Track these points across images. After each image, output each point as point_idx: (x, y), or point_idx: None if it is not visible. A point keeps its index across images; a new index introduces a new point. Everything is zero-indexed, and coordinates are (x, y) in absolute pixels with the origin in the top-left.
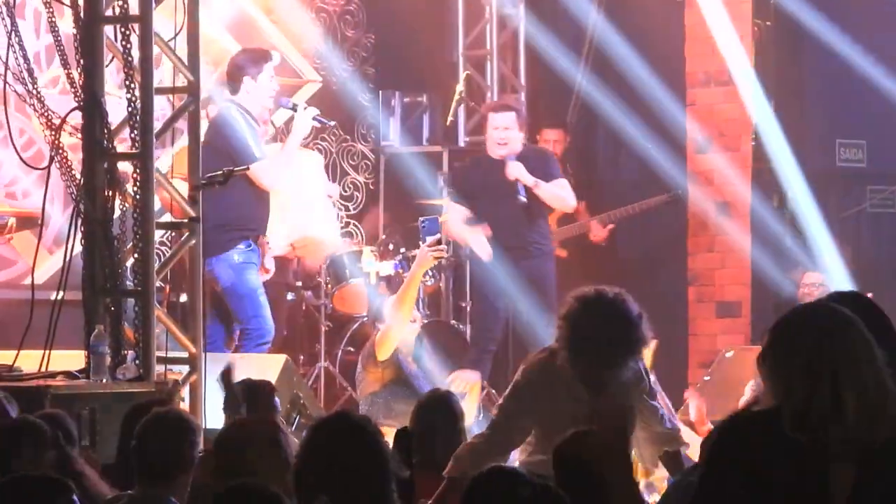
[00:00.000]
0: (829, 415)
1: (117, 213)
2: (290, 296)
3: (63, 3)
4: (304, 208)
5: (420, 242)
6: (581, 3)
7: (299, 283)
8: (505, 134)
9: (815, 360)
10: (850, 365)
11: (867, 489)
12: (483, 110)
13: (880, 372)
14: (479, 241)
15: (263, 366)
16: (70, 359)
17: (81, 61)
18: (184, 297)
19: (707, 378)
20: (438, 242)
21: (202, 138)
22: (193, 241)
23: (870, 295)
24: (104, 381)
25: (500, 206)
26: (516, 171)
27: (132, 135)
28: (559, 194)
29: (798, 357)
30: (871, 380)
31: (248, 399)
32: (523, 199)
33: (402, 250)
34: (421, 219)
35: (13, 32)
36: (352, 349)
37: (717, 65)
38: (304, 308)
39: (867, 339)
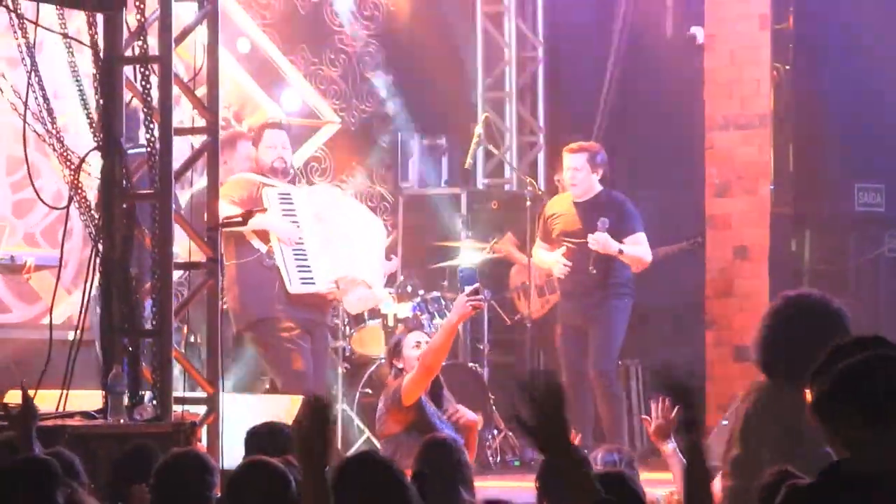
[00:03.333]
0: None
1: (136, 253)
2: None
3: (82, 43)
4: (347, 244)
5: (459, 292)
6: (600, 45)
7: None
8: (574, 174)
9: None
10: None
11: None
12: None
13: None
14: (557, 261)
15: (280, 407)
16: (88, 399)
17: (101, 102)
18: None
19: (724, 422)
20: (476, 292)
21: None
22: (211, 282)
23: None
24: (121, 421)
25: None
26: (601, 244)
27: (151, 175)
28: (638, 255)
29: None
30: None
31: (267, 440)
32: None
33: (421, 292)
34: (460, 268)
35: (33, 72)
36: (370, 391)
37: (735, 108)
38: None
39: None
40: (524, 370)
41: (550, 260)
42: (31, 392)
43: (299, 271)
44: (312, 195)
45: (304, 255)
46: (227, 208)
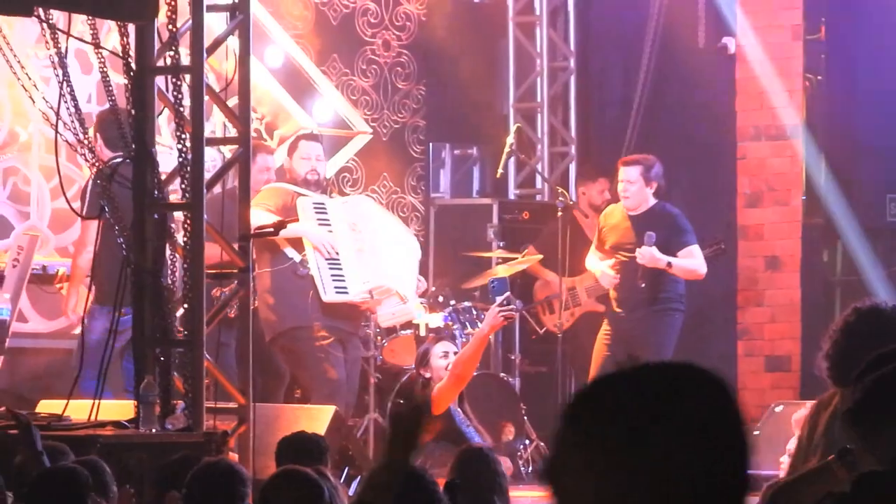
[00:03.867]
0: None
1: (169, 262)
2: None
3: (115, 54)
4: (381, 255)
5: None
6: (632, 55)
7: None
8: (627, 187)
9: None
10: None
11: None
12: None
13: None
14: (605, 273)
15: (313, 417)
16: (119, 408)
17: (133, 112)
18: None
19: (756, 432)
20: (508, 302)
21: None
22: (243, 292)
23: None
24: (153, 430)
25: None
26: (647, 258)
27: (182, 185)
28: (689, 268)
29: None
30: None
31: (299, 450)
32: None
33: (452, 302)
34: (490, 279)
35: (65, 82)
36: (401, 401)
37: (767, 119)
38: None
39: None
40: (556, 381)
41: (598, 269)
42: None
43: (333, 280)
44: (347, 205)
45: (339, 264)
46: (263, 216)
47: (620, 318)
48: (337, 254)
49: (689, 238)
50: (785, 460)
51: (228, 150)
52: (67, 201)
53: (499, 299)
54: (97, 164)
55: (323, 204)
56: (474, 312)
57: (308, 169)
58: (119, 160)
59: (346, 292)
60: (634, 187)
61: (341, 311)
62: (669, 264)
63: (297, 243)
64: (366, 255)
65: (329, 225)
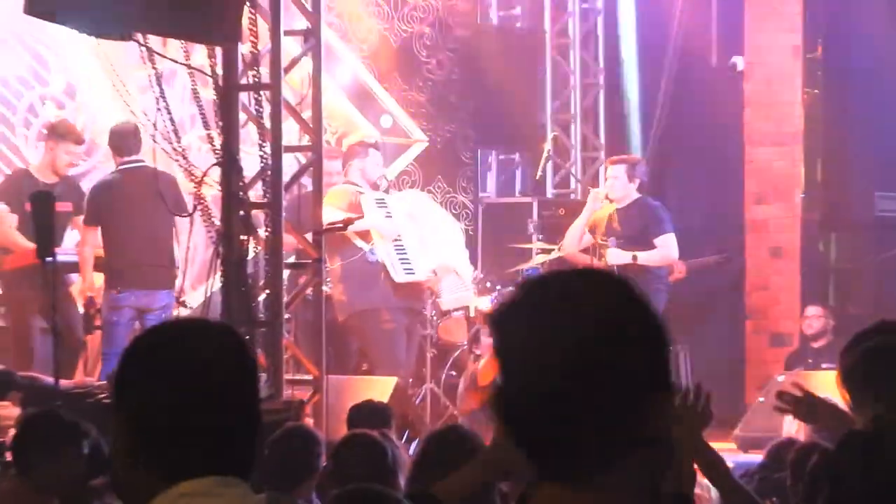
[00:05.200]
0: None
1: (251, 254)
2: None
3: (205, 73)
4: (438, 238)
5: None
6: (653, 73)
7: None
8: (613, 183)
9: None
10: None
11: None
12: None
13: None
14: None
15: (377, 387)
16: None
17: (220, 123)
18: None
19: (762, 400)
20: None
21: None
22: (317, 279)
23: None
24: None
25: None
26: (614, 257)
27: (264, 187)
28: (657, 257)
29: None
30: None
31: (367, 416)
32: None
33: (498, 287)
34: (526, 268)
35: (161, 98)
36: (454, 373)
37: (771, 127)
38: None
39: None
40: None
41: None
42: None
43: (402, 263)
44: (403, 198)
45: (404, 249)
46: (334, 213)
47: None
48: (400, 240)
49: (667, 227)
50: (789, 423)
51: (303, 156)
52: (164, 201)
53: None
54: (189, 169)
55: (383, 199)
56: None
57: (380, 174)
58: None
59: (414, 273)
60: (619, 182)
61: (410, 290)
62: (635, 257)
63: (366, 235)
64: (425, 240)
65: (391, 216)
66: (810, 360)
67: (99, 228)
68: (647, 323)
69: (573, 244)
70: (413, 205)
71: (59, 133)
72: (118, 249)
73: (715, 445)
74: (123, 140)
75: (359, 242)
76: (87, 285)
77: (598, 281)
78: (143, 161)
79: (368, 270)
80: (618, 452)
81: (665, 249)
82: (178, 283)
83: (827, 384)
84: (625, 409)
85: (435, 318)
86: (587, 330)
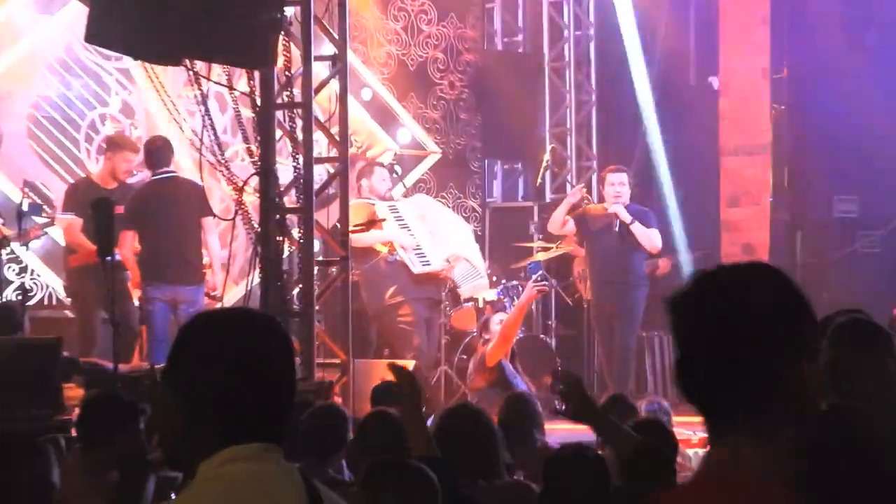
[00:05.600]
0: None
1: (286, 253)
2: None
3: (245, 94)
4: (448, 232)
5: (529, 281)
6: (639, 93)
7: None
8: (620, 189)
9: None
10: None
11: None
12: (601, 173)
13: None
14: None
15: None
16: None
17: (258, 138)
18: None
19: None
20: (544, 278)
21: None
22: (344, 274)
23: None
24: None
25: (605, 244)
26: (619, 209)
27: (297, 193)
28: (648, 235)
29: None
30: None
31: (387, 396)
32: (617, 228)
33: (504, 281)
34: (529, 262)
35: (206, 116)
36: (465, 357)
37: (743, 139)
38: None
39: None
40: (583, 341)
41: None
42: None
43: (418, 257)
44: (412, 202)
45: (419, 246)
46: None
47: (603, 293)
48: (420, 246)
49: (653, 224)
50: None
51: (331, 167)
52: (209, 207)
53: (534, 277)
54: (231, 178)
55: (395, 206)
56: (520, 289)
57: (387, 188)
58: (253, 174)
59: (429, 264)
60: (625, 188)
61: (429, 281)
62: (633, 223)
63: (385, 243)
64: (436, 235)
65: (403, 220)
66: None
67: (136, 231)
68: (800, 304)
69: (556, 228)
70: (422, 207)
71: (118, 144)
72: (150, 249)
73: (693, 416)
74: (156, 153)
75: (378, 247)
76: (135, 281)
77: (759, 270)
78: (174, 171)
79: (388, 271)
80: (775, 406)
81: (653, 237)
82: (219, 278)
83: None
84: (782, 371)
85: (448, 308)
86: (755, 309)
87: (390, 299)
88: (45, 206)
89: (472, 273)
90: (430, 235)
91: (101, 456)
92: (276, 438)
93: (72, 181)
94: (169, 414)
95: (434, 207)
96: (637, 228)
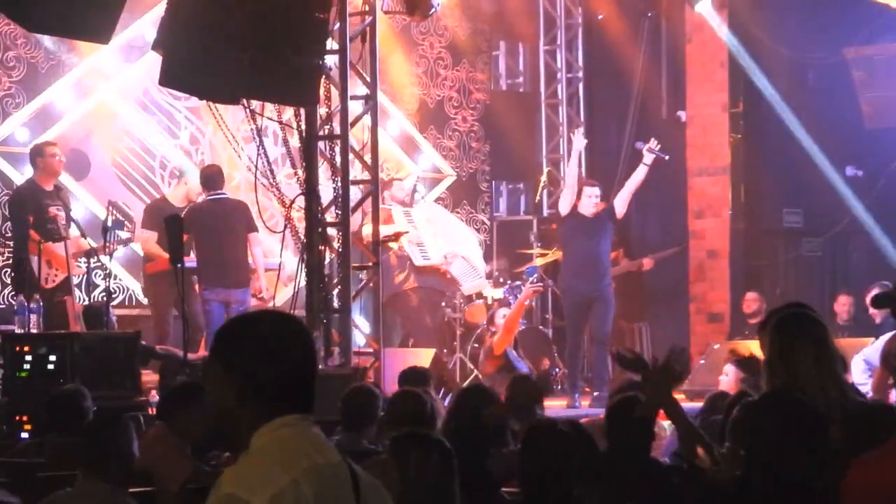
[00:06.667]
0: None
1: (327, 260)
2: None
3: (292, 127)
4: (450, 233)
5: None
6: (620, 122)
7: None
8: (597, 200)
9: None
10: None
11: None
12: (579, 184)
13: None
14: None
15: (419, 357)
16: None
17: (304, 164)
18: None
19: (702, 362)
20: (540, 280)
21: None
22: (376, 277)
23: None
24: (319, 367)
25: (587, 246)
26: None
27: (336, 210)
28: (627, 196)
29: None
30: None
31: (413, 378)
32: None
33: (509, 282)
34: (527, 266)
35: (260, 146)
36: (477, 345)
37: (706, 162)
38: (446, 319)
39: None
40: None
41: None
42: None
43: (419, 251)
44: (423, 207)
45: (422, 242)
46: (383, 228)
47: (579, 286)
48: (423, 243)
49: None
50: (723, 379)
51: (363, 188)
52: (264, 222)
53: (531, 279)
54: (281, 198)
55: (408, 210)
56: (522, 288)
57: (404, 195)
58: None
59: (429, 259)
60: (599, 199)
61: (433, 275)
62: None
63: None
64: (439, 235)
65: (413, 221)
66: (747, 332)
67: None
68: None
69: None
70: (431, 213)
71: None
72: (205, 258)
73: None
74: (211, 178)
75: (390, 243)
76: (157, 265)
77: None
78: (225, 193)
79: (397, 263)
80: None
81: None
82: (263, 282)
83: (756, 349)
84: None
85: (462, 304)
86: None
87: (401, 286)
88: (126, 222)
89: (472, 272)
90: (433, 236)
91: (177, 430)
92: (309, 409)
93: (148, 201)
94: (224, 391)
95: (442, 214)
96: (633, 181)
